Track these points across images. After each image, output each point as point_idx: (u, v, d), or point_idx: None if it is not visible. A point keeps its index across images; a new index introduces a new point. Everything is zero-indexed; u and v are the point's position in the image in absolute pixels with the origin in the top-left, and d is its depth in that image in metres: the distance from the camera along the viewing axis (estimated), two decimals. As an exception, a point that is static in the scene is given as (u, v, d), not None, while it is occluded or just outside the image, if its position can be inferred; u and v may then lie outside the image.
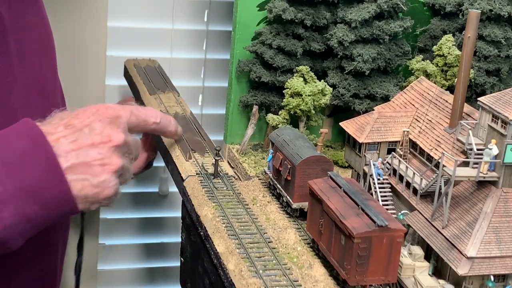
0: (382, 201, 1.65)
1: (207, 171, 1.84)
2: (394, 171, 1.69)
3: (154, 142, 2.29)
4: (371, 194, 1.66)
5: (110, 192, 1.42)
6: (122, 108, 1.51)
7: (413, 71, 2.00)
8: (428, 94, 1.80)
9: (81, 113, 1.45)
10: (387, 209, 1.55)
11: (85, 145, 1.40)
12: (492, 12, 1.92)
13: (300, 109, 1.95)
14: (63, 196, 1.37)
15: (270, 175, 1.79)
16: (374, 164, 1.69)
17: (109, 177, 1.41)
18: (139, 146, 1.54)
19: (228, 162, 2.04)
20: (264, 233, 1.58)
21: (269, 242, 1.55)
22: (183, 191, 1.80)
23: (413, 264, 1.46)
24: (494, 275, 1.39)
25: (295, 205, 1.66)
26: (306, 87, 1.93)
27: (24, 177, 1.34)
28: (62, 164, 1.37)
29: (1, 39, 1.62)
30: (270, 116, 2.00)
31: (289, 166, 1.67)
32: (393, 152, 1.72)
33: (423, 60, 2.00)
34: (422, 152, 1.69)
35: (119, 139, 1.44)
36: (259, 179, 1.88)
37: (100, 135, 1.42)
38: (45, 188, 1.36)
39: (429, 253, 1.49)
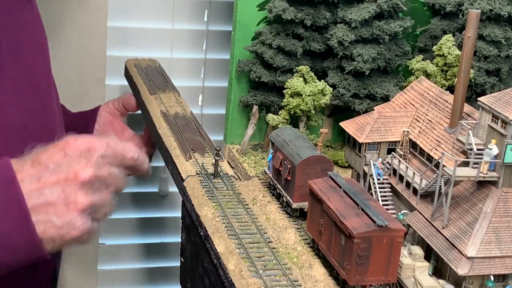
0: (382, 201, 1.65)
1: (207, 171, 1.84)
2: (394, 171, 1.69)
3: (151, 137, 2.31)
4: (371, 194, 1.66)
5: (77, 233, 1.31)
6: (97, 140, 1.39)
7: (413, 71, 2.00)
8: (428, 94, 1.80)
9: (51, 148, 1.36)
10: (387, 209, 1.55)
11: (48, 184, 1.31)
12: (492, 12, 1.92)
13: (300, 109, 1.95)
14: (28, 239, 1.29)
15: (270, 175, 1.79)
16: (374, 164, 1.69)
17: (75, 217, 1.31)
18: (121, 178, 1.43)
19: (228, 162, 2.04)
20: (264, 233, 1.58)
21: (269, 242, 1.55)
22: (183, 191, 1.80)
23: (413, 264, 1.46)
24: (494, 275, 1.39)
25: (295, 205, 1.66)
26: (306, 87, 1.93)
27: None
28: (27, 205, 1.29)
29: None
30: (270, 116, 2.00)
31: (289, 166, 1.67)
32: (393, 152, 1.72)
33: (423, 60, 2.00)
34: (422, 152, 1.69)
35: (86, 175, 1.32)
36: (259, 179, 1.88)
37: (65, 172, 1.31)
38: (9, 231, 1.28)
39: (429, 253, 1.49)
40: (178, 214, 1.92)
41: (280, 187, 1.73)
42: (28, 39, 1.77)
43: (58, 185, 1.31)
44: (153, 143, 2.34)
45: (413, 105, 1.82)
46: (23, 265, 1.35)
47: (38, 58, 1.81)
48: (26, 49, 1.75)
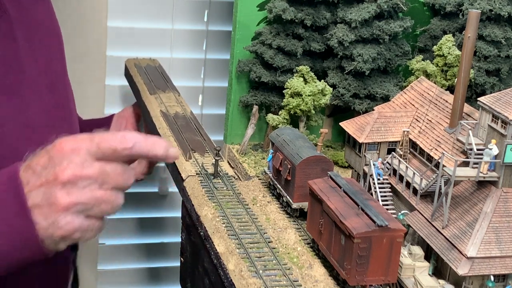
0: (382, 201, 1.65)
1: (207, 171, 1.84)
2: (394, 171, 1.69)
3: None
4: (371, 194, 1.66)
5: (63, 233, 1.32)
6: (83, 139, 1.35)
7: (413, 71, 2.00)
8: (428, 94, 1.80)
9: (40, 151, 1.37)
10: (387, 209, 1.55)
11: (34, 187, 1.33)
12: (492, 12, 1.92)
13: (300, 109, 1.95)
14: (28, 234, 1.32)
15: (270, 175, 1.79)
16: (374, 164, 1.69)
17: (57, 217, 1.31)
18: (122, 173, 1.37)
19: (228, 162, 2.04)
20: (264, 233, 1.58)
21: (269, 242, 1.55)
22: (183, 191, 1.80)
23: (413, 264, 1.46)
24: (494, 275, 1.39)
25: (295, 205, 1.66)
26: (306, 87, 1.93)
27: None
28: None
29: (8, 37, 1.64)
30: (270, 116, 2.00)
31: (289, 166, 1.67)
32: (393, 152, 1.72)
33: (423, 60, 2.00)
34: (422, 152, 1.69)
35: (65, 176, 1.31)
36: (259, 179, 1.88)
37: (46, 174, 1.33)
38: (13, 226, 1.32)
39: (429, 253, 1.49)
40: (178, 214, 1.92)
41: (280, 187, 1.73)
42: (45, 37, 1.80)
43: (41, 187, 1.33)
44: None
45: (413, 105, 1.82)
46: (26, 264, 1.38)
47: (54, 56, 1.84)
48: (43, 48, 1.78)
